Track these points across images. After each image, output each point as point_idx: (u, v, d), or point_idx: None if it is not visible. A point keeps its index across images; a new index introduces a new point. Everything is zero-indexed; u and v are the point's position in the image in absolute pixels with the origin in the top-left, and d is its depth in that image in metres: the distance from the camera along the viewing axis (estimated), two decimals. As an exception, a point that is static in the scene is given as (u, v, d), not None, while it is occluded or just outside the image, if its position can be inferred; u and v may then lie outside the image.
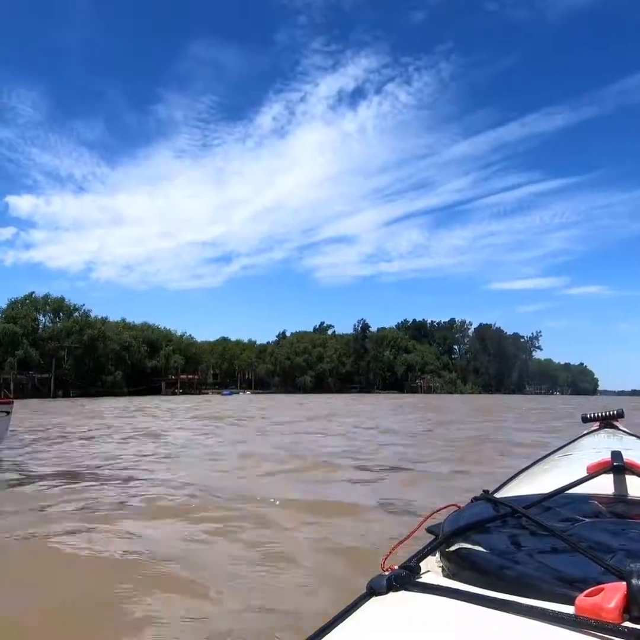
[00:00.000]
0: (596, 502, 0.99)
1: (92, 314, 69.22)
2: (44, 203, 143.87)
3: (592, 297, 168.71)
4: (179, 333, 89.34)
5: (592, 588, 0.62)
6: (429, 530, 1.03)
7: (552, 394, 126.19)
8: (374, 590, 0.76)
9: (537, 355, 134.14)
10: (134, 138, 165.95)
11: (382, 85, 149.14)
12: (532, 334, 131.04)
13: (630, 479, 1.04)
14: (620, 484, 1.05)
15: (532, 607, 0.63)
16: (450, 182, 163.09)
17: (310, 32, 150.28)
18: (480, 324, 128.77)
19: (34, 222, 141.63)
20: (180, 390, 75.11)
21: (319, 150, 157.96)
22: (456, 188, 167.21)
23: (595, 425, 2.15)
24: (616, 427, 2.09)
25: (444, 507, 1.10)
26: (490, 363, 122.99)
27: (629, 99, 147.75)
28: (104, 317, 72.74)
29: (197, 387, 79.31)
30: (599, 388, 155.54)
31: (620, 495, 1.04)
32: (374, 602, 0.75)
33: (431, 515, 1.07)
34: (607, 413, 2.11)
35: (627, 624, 0.58)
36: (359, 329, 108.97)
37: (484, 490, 1.15)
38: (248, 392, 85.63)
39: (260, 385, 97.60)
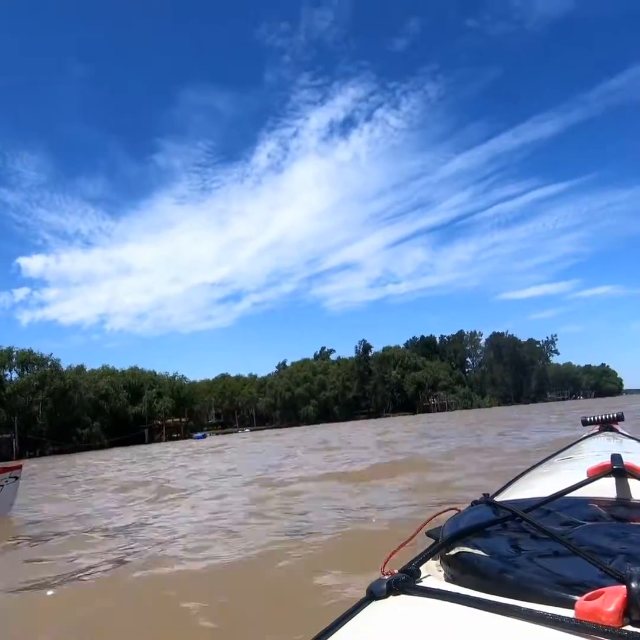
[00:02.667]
0: (596, 505, 0.99)
1: (86, 364, 65.29)
2: (54, 261, 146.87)
3: (605, 298, 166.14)
4: (170, 374, 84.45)
5: (592, 592, 0.62)
6: (429, 534, 1.02)
7: (575, 398, 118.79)
8: (374, 594, 0.76)
9: (556, 360, 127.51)
10: (136, 189, 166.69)
11: (371, 112, 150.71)
12: (548, 338, 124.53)
13: (630, 482, 1.04)
14: (620, 487, 1.05)
15: (532, 610, 0.62)
16: (449, 198, 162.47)
17: (296, 70, 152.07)
18: (493, 333, 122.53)
19: (45, 280, 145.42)
20: (165, 436, 69.18)
21: (316, 182, 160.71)
22: (455, 204, 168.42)
23: (596, 428, 2.15)
24: (616, 430, 2.10)
25: (444, 511, 1.09)
26: (506, 372, 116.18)
27: (615, 99, 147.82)
28: (79, 366, 67.94)
29: (184, 431, 73.38)
30: (624, 388, 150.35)
31: (620, 499, 1.03)
32: (374, 606, 0.75)
33: (431, 519, 1.06)
34: (607, 416, 2.11)
35: (627, 627, 0.57)
36: (361, 350, 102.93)
37: (483, 494, 1.14)
38: (247, 430, 79.85)
39: (263, 420, 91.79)
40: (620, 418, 2.11)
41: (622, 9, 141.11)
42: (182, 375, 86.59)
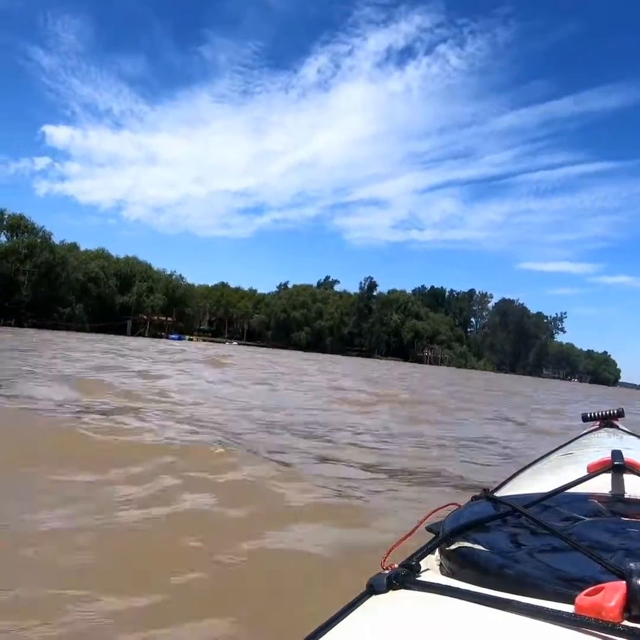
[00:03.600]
0: (596, 501, 0.99)
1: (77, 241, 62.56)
2: (81, 135, 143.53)
3: (623, 287, 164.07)
4: (167, 271, 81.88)
5: (592, 587, 0.62)
6: (429, 528, 1.02)
7: (570, 379, 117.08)
8: (374, 588, 0.76)
9: (560, 338, 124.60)
10: (176, 78, 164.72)
11: (433, 46, 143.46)
12: (557, 314, 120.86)
13: (630, 478, 1.04)
14: (620, 483, 1.05)
15: (532, 606, 0.63)
16: (492, 154, 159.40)
17: None
18: (503, 299, 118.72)
19: (69, 153, 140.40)
20: (149, 332, 67.43)
21: (362, 108, 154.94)
22: (498, 161, 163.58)
23: (596, 424, 2.15)
24: (616, 426, 2.10)
25: (444, 506, 1.09)
26: (508, 340, 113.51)
27: None
28: (72, 243, 65.24)
29: (169, 331, 71.59)
30: (620, 379, 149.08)
31: (620, 494, 1.03)
32: (374, 600, 0.75)
33: (431, 513, 1.06)
34: (608, 412, 2.12)
35: (627, 623, 0.57)
36: (366, 287, 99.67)
37: (483, 489, 1.14)
38: (235, 343, 78.35)
39: (254, 336, 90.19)
40: (620, 414, 2.11)
41: None
42: (180, 275, 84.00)
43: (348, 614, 0.72)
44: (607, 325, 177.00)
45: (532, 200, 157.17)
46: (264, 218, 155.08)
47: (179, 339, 62.40)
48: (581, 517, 0.91)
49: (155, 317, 70.72)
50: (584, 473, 1.01)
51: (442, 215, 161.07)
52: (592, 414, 2.16)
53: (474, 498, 1.08)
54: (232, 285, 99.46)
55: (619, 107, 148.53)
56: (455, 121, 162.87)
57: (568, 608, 0.61)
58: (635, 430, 2.09)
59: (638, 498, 1.00)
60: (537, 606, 0.62)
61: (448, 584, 0.74)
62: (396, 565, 0.81)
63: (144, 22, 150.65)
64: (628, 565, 0.62)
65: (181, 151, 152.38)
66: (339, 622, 0.70)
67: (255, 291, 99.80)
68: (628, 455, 1.06)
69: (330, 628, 0.68)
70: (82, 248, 68.63)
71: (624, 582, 0.60)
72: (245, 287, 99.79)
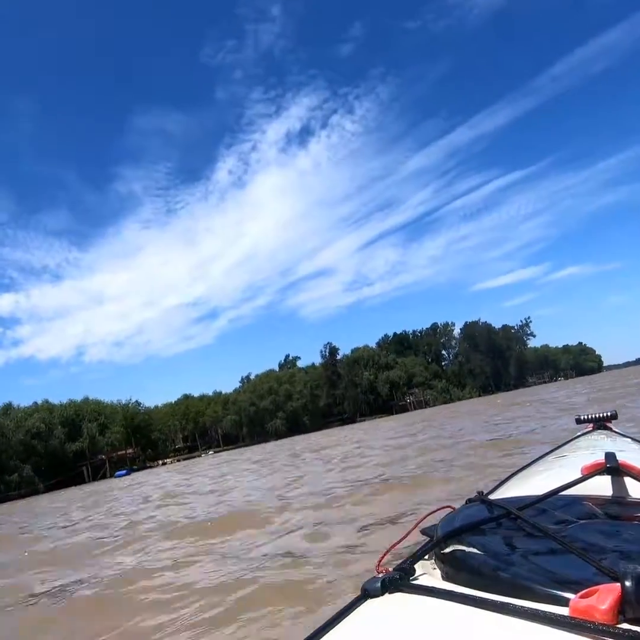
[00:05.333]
0: (590, 504, 0.99)
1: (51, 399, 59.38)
2: (24, 298, 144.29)
3: (576, 278, 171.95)
4: (122, 402, 77.78)
5: (586, 590, 0.62)
6: (424, 531, 1.02)
7: (556, 380, 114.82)
8: (368, 592, 0.76)
9: (532, 343, 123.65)
10: (100, 218, 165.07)
11: (326, 119, 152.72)
12: (522, 321, 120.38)
13: (624, 480, 1.05)
14: (614, 485, 1.06)
15: (527, 608, 0.62)
16: (413, 196, 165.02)
17: (248, 84, 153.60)
18: (466, 322, 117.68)
19: (17, 318, 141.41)
20: (110, 472, 62.22)
21: (280, 192, 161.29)
22: (421, 200, 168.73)
23: (589, 426, 2.18)
24: (610, 429, 2.12)
25: (438, 509, 1.09)
26: (484, 361, 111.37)
27: (562, 83, 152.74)
28: (6, 404, 60.97)
29: (143, 462, 66.70)
30: (605, 364, 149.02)
31: (614, 497, 1.04)
32: (369, 604, 0.75)
33: (425, 516, 1.06)
34: (601, 414, 2.15)
35: (622, 625, 0.57)
36: (327, 354, 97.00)
37: (478, 492, 1.15)
38: (211, 452, 73.60)
39: (231, 439, 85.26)
40: (613, 416, 2.12)
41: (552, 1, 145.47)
42: (136, 401, 79.95)
43: (343, 619, 0.71)
44: (573, 317, 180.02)
45: (463, 225, 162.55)
46: (220, 321, 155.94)
47: (128, 473, 54.99)
48: (575, 519, 0.90)
49: (114, 454, 65.66)
50: (578, 475, 1.01)
51: (386, 265, 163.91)
52: (586, 417, 2.15)
53: (469, 501, 1.07)
54: (196, 394, 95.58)
55: (507, 122, 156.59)
56: (369, 177, 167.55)
57: (562, 611, 0.61)
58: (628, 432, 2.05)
59: (632, 500, 1.00)
60: (531, 609, 0.62)
61: (443, 587, 0.73)
62: (391, 569, 0.80)
63: (53, 178, 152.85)
64: (622, 568, 0.63)
65: (124, 283, 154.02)
66: (333, 627, 0.69)
67: (220, 393, 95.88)
68: (621, 457, 1.07)
69: (325, 633, 0.68)
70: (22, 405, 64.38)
71: (618, 584, 0.60)
72: (210, 392, 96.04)
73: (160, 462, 70.61)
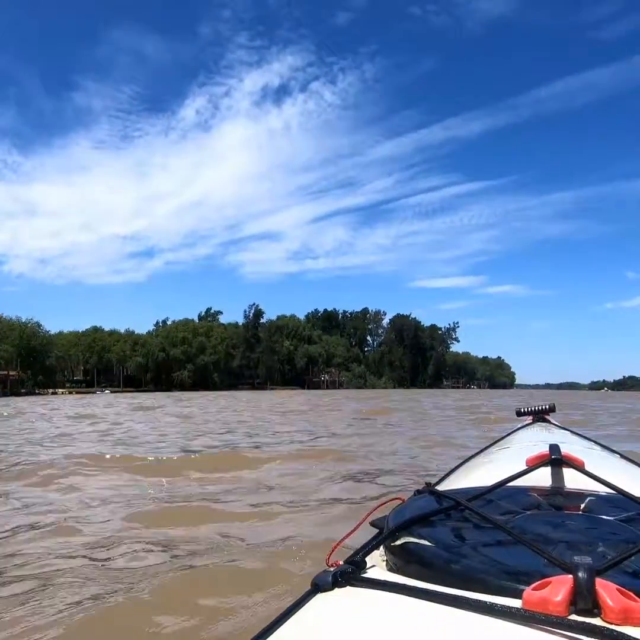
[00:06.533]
0: (536, 494, 1.00)
1: None
2: None
3: (508, 296, 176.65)
4: (22, 320, 71.82)
5: (539, 581, 0.62)
6: (374, 524, 1.01)
7: (469, 387, 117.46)
8: (319, 586, 0.75)
9: (455, 348, 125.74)
10: (50, 126, 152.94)
11: (307, 84, 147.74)
12: (449, 325, 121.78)
13: (567, 472, 1.07)
14: (557, 476, 1.07)
15: (479, 601, 0.62)
16: (374, 181, 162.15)
17: (235, 27, 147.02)
18: (397, 314, 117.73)
19: None
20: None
21: (245, 146, 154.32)
22: (380, 188, 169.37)
23: (529, 419, 2.21)
24: (548, 421, 2.17)
25: (388, 501, 1.07)
26: (405, 356, 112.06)
27: (543, 108, 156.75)
28: None
29: (32, 387, 61.73)
30: (516, 382, 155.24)
31: (558, 487, 1.05)
32: (320, 598, 0.74)
33: (375, 508, 1.04)
34: (540, 407, 2.19)
35: (574, 617, 0.58)
36: (251, 315, 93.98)
37: (426, 483, 1.16)
38: (107, 391, 69.34)
39: (134, 382, 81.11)
40: (552, 409, 2.17)
41: (557, 22, 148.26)
42: (37, 322, 74.05)
43: (293, 614, 0.70)
44: (497, 332, 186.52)
45: (416, 222, 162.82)
46: (156, 261, 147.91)
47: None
48: (522, 510, 0.91)
49: (3, 373, 60.41)
50: (523, 467, 1.02)
51: (334, 243, 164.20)
52: (526, 409, 2.19)
53: (417, 492, 1.06)
54: (104, 327, 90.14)
55: (482, 132, 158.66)
56: (336, 153, 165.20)
57: (515, 603, 0.61)
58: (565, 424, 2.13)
59: (575, 491, 1.01)
60: (484, 602, 0.62)
61: (394, 581, 0.73)
62: (341, 562, 0.79)
63: (9, 73, 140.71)
64: (573, 559, 0.64)
65: (63, 200, 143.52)
66: (284, 622, 0.68)
67: (132, 332, 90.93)
68: (564, 449, 1.09)
69: (276, 628, 0.67)
70: None
71: (571, 576, 0.60)
72: (122, 330, 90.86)
73: (51, 391, 65.91)
